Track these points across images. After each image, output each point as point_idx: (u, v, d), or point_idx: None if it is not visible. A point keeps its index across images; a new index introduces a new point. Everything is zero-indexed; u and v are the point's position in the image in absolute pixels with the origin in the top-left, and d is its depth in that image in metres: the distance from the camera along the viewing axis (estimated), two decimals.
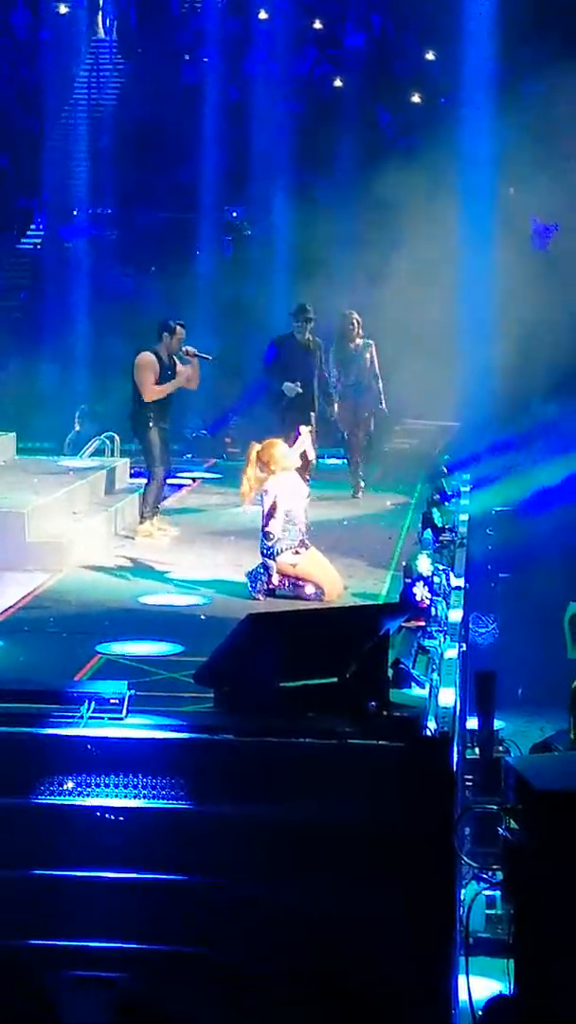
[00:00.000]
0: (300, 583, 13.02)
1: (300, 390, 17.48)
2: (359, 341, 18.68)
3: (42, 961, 8.67)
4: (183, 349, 15.86)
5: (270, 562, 13.04)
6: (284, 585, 13.04)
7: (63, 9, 29.87)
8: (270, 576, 13.01)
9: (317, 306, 18.86)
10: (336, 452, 19.53)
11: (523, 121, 23.71)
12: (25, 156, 29.73)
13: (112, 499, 17.07)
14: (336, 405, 18.41)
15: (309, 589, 12.97)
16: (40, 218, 30.04)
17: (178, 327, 15.92)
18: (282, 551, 13.04)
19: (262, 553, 13.12)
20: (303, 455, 14.15)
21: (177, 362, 15.87)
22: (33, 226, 30.05)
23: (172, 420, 16.53)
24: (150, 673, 10.60)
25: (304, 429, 14.28)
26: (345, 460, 19.05)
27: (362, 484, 18.66)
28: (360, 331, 18.74)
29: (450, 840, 9.05)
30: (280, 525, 13.07)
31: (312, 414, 17.23)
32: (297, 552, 13.09)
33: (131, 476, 18.53)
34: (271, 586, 13.02)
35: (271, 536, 13.06)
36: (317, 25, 30.71)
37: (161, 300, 23.72)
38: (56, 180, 29.54)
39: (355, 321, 18.72)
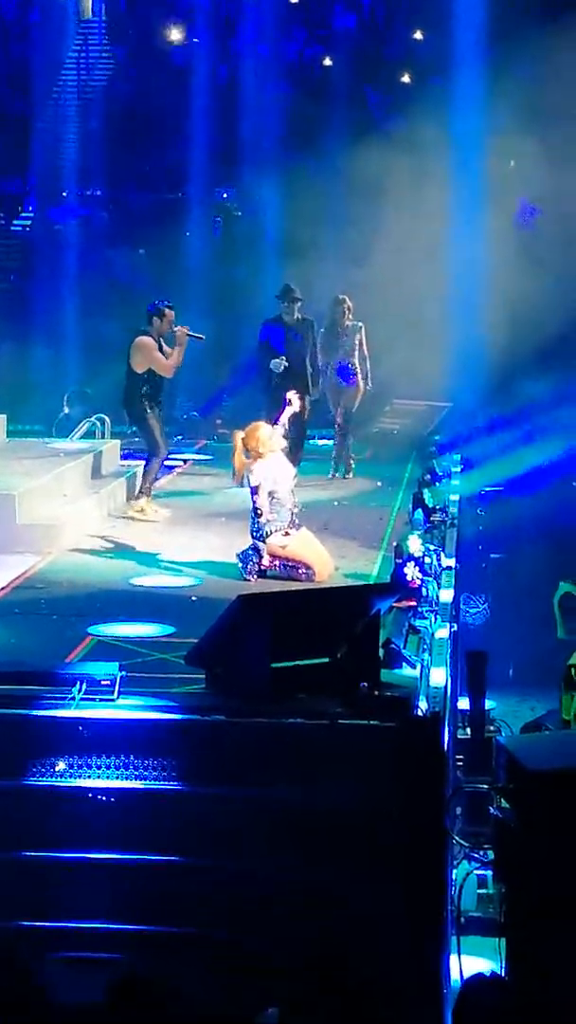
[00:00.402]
0: (291, 564, 13.02)
1: (287, 364, 17.49)
2: (348, 323, 18.66)
3: (34, 943, 8.69)
4: (175, 329, 15.87)
5: (260, 544, 13.05)
6: (275, 566, 13.05)
7: None
8: (261, 557, 13.02)
9: (307, 287, 18.85)
10: (328, 433, 19.52)
11: (512, 102, 23.67)
12: (14, 138, 29.62)
13: (103, 481, 17.05)
14: (320, 387, 18.37)
15: (300, 570, 12.98)
16: (30, 200, 29.96)
17: (167, 309, 15.93)
18: (272, 532, 13.05)
19: (252, 535, 13.13)
20: (297, 415, 14.22)
21: (164, 345, 15.90)
22: (23, 208, 29.96)
23: (164, 401, 16.55)
24: (141, 654, 10.61)
25: (291, 395, 14.24)
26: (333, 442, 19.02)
27: (352, 463, 18.67)
28: (351, 315, 18.74)
29: (441, 820, 9.08)
30: (266, 506, 13.07)
31: (305, 390, 17.24)
32: (287, 533, 13.09)
33: (122, 458, 18.52)
34: (262, 567, 13.03)
35: (260, 516, 13.07)
36: (307, 6, 30.61)
37: (151, 282, 23.68)
38: (46, 162, 29.44)
39: (347, 306, 18.73)
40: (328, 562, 13.22)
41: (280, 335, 17.76)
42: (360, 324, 18.79)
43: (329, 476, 18.39)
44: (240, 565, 13.09)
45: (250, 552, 13.09)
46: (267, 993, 8.58)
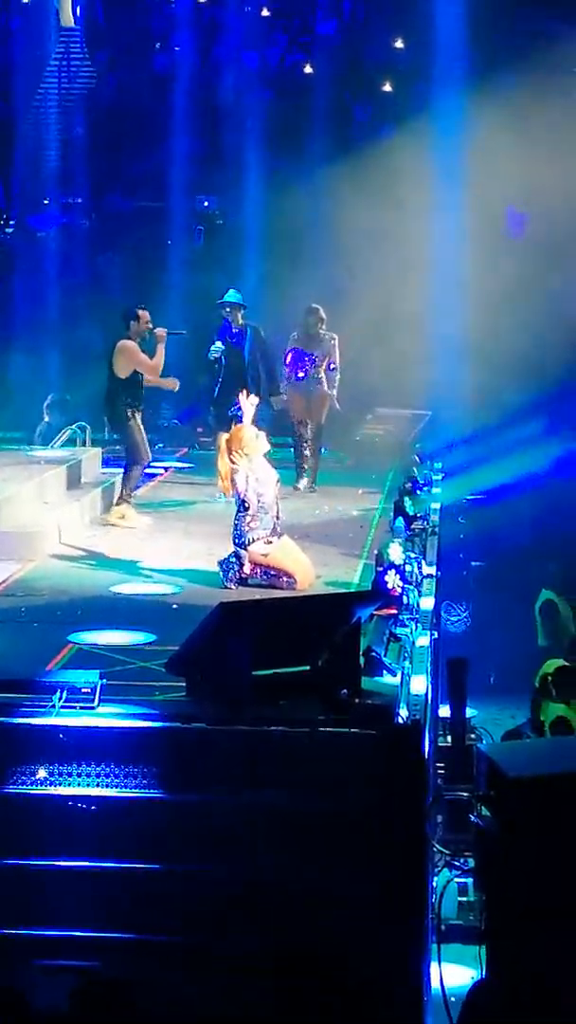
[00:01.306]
0: (272, 572, 13.02)
1: (222, 346, 17.59)
2: (321, 333, 18.36)
3: (14, 950, 8.67)
4: (155, 330, 15.94)
5: (242, 551, 13.04)
6: (256, 574, 13.04)
7: None
8: (242, 565, 13.01)
9: (289, 295, 18.87)
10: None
11: (495, 108, 23.69)
12: None
13: (83, 489, 17.04)
14: (284, 396, 18.27)
15: (282, 579, 12.97)
16: (11, 207, 29.91)
17: (140, 311, 16.00)
18: (254, 540, 13.04)
19: (234, 542, 13.12)
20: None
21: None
22: (2, 215, 29.91)
23: (146, 408, 16.57)
24: (122, 662, 10.60)
25: (241, 397, 14.18)
26: (293, 451, 18.45)
27: (305, 480, 18.05)
28: (323, 326, 18.42)
29: (422, 827, 9.07)
30: (255, 504, 13.07)
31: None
32: (269, 541, 13.09)
33: (103, 466, 18.50)
34: (243, 575, 13.02)
35: (247, 511, 13.05)
36: (288, 13, 30.61)
37: (132, 289, 23.65)
38: (26, 169, 29.41)
39: (320, 316, 18.41)
40: (309, 570, 13.22)
41: (225, 335, 17.91)
42: (334, 336, 18.49)
43: (295, 486, 17.77)
44: (221, 573, 13.08)
45: (231, 560, 13.08)
46: (246, 999, 8.58)
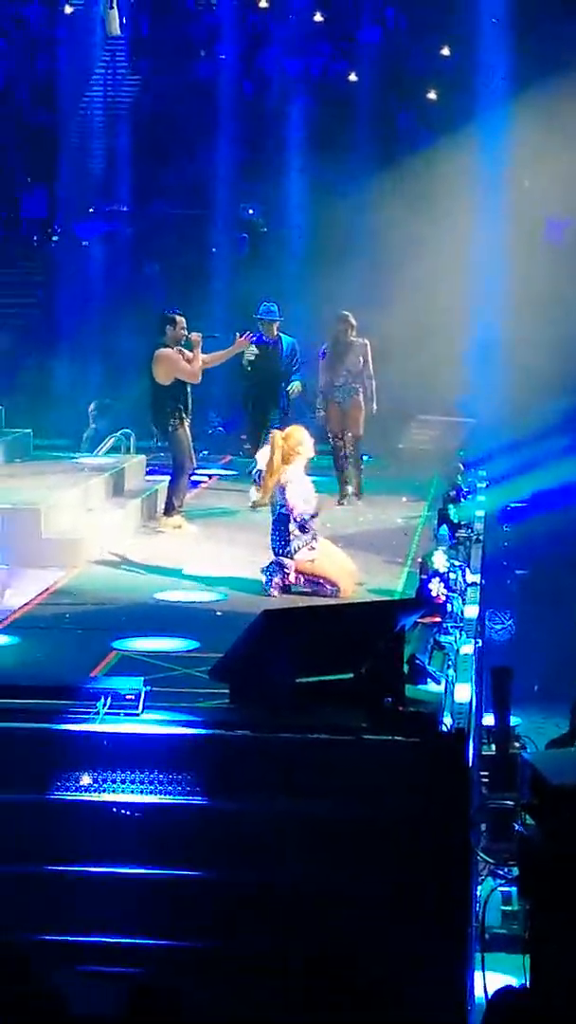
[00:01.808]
0: (316, 580, 13.01)
1: (256, 351, 17.68)
2: (352, 340, 18.06)
3: (57, 956, 8.68)
4: (190, 335, 15.98)
5: (284, 559, 13.03)
6: (299, 582, 13.04)
7: (68, 9, 29.88)
8: (286, 573, 13.00)
9: (333, 303, 18.86)
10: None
11: (537, 115, 23.65)
12: (41, 153, 29.73)
13: (128, 496, 17.07)
14: (321, 411, 18.07)
15: (326, 587, 12.97)
16: (56, 215, 30.05)
17: (177, 316, 16.04)
18: (299, 548, 13.04)
19: (274, 551, 13.10)
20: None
21: (184, 352, 16.01)
22: (51, 230, 30.04)
23: (194, 415, 16.62)
24: (166, 669, 10.60)
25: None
26: (333, 463, 18.15)
27: (349, 490, 17.84)
28: (354, 332, 18.10)
29: (466, 836, 9.05)
30: (311, 513, 13.11)
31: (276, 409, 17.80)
32: (312, 548, 13.08)
33: (147, 474, 18.54)
34: (286, 583, 13.02)
35: (304, 525, 13.05)
36: (331, 20, 30.67)
37: (176, 297, 23.68)
38: (71, 177, 29.54)
39: (350, 323, 18.07)
40: (353, 576, 13.20)
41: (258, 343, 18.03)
42: (365, 341, 18.16)
43: (340, 501, 17.58)
44: (264, 580, 13.08)
45: (274, 567, 13.08)
46: (288, 1008, 8.58)
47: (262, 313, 18.19)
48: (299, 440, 13.39)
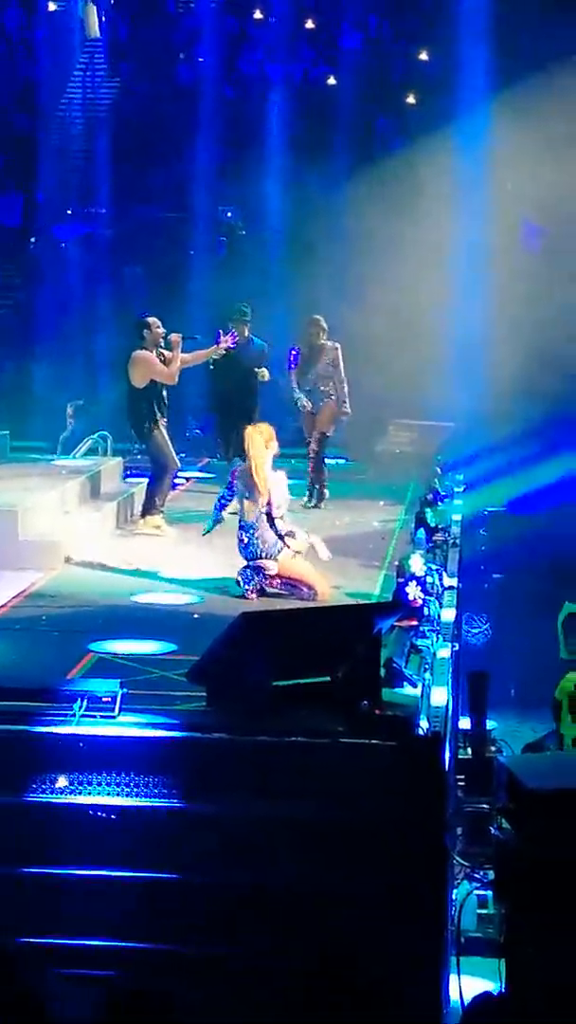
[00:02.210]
0: (293, 583, 13.01)
1: (224, 349, 17.16)
2: (322, 343, 17.96)
3: (33, 959, 8.66)
4: (169, 337, 15.98)
5: (269, 563, 13.02)
6: (275, 585, 13.04)
7: (52, 6, 29.87)
8: (263, 577, 13.00)
9: (311, 305, 18.84)
10: (333, 452, 19.49)
11: (517, 120, 23.71)
12: (20, 154, 29.70)
13: (105, 498, 17.06)
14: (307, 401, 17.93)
15: (303, 590, 12.97)
16: (35, 218, 30.03)
17: (150, 320, 16.04)
18: (270, 553, 13.04)
19: (243, 554, 13.09)
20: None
21: (164, 354, 16.02)
22: (25, 227, 30.00)
23: (171, 418, 16.60)
24: (143, 671, 10.60)
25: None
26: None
27: (317, 492, 17.76)
28: (324, 335, 18.00)
29: (442, 839, 9.06)
30: (285, 515, 13.23)
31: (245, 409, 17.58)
32: (286, 547, 13.08)
33: (125, 477, 18.53)
34: (263, 586, 13.02)
35: (265, 533, 13.05)
36: (312, 25, 30.71)
37: (154, 299, 23.69)
38: (50, 179, 29.52)
39: (321, 327, 18.01)
40: (326, 580, 13.21)
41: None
42: (336, 345, 18.05)
43: (306, 504, 17.60)
44: (242, 582, 13.08)
45: (250, 571, 13.07)
46: (263, 1011, 8.57)
47: (234, 314, 18.08)
48: (271, 435, 13.42)
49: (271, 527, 13.14)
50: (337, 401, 18.05)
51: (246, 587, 13.03)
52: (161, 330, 16.01)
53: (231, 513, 13.61)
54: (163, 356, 16.02)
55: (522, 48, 24.97)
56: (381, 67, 29.82)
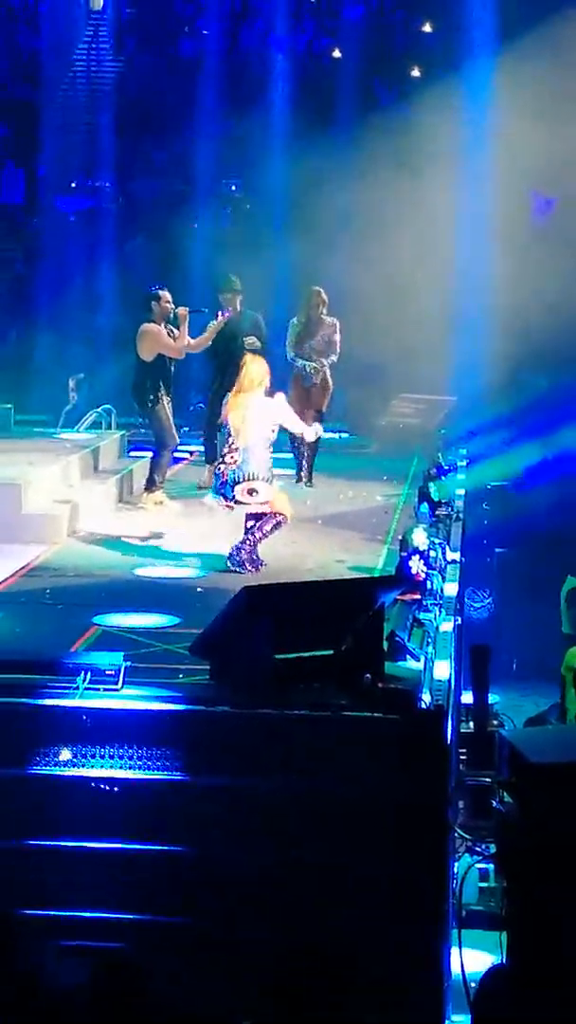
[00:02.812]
0: (267, 519, 13.02)
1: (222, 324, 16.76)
2: (324, 318, 17.66)
3: (35, 931, 8.70)
4: (176, 310, 15.93)
5: (260, 485, 12.97)
6: (251, 504, 13.02)
7: None
8: (250, 544, 12.92)
9: (314, 279, 18.75)
10: (336, 426, 19.42)
11: (523, 91, 23.63)
12: (23, 127, 29.64)
13: (108, 472, 17.07)
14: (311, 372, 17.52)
15: (274, 519, 13.04)
16: (38, 189, 29.99)
17: (161, 292, 15.97)
18: (273, 475, 13.09)
19: (237, 477, 13.00)
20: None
21: (173, 331, 15.98)
22: (26, 199, 29.97)
23: (174, 392, 16.56)
24: (146, 645, 10.62)
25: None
26: (294, 448, 17.41)
27: (304, 476, 17.39)
28: (325, 309, 17.69)
29: (444, 813, 9.09)
30: (224, 443, 13.09)
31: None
32: (252, 491, 13.00)
33: (129, 450, 18.53)
34: (253, 555, 12.93)
35: (229, 451, 13.04)
36: None
37: (158, 272, 23.65)
38: (54, 151, 29.47)
39: (322, 299, 17.68)
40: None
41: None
42: (335, 321, 17.76)
43: (297, 481, 17.26)
44: (230, 564, 13.00)
45: (238, 546, 12.98)
46: (264, 986, 8.60)
47: (223, 285, 17.59)
48: (267, 371, 13.41)
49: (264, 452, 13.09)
50: (330, 376, 17.75)
51: (237, 563, 12.95)
52: (170, 304, 15.96)
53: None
54: (171, 332, 15.97)
55: (527, 18, 24.85)
56: (384, 38, 29.72)
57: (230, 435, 13.10)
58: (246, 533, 13.05)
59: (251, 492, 13.03)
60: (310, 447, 17.15)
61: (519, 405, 22.58)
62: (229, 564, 13.01)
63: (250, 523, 13.08)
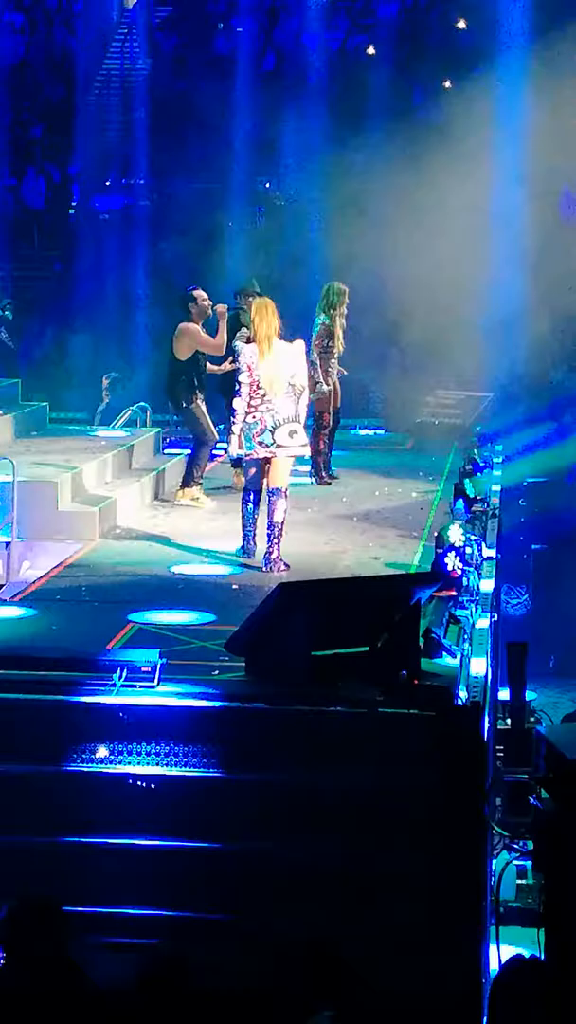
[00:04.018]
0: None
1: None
2: (346, 312, 17.22)
3: (74, 927, 8.71)
4: (215, 307, 15.91)
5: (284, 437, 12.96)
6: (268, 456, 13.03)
7: None
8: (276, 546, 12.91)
9: (348, 276, 18.69)
10: (372, 423, 19.39)
11: (556, 89, 23.59)
12: (59, 126, 29.73)
13: (144, 469, 17.09)
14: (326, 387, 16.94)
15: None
16: (73, 188, 30.07)
17: (198, 293, 15.94)
18: (255, 436, 12.95)
19: (273, 423, 12.95)
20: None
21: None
22: (60, 196, 30.04)
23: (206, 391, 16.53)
24: (182, 641, 10.63)
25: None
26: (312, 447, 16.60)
27: (324, 471, 17.20)
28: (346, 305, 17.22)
29: (481, 809, 9.07)
30: (244, 402, 12.96)
31: None
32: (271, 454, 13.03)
33: (164, 447, 18.56)
34: (279, 555, 12.92)
35: (260, 410, 12.94)
36: None
37: (192, 270, 23.68)
38: (89, 150, 29.53)
39: (343, 292, 17.17)
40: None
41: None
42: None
43: (312, 482, 17.02)
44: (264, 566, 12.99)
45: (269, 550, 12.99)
46: (301, 983, 8.59)
47: (245, 287, 17.27)
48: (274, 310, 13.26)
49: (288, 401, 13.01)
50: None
51: (243, 549, 13.18)
52: (208, 302, 15.90)
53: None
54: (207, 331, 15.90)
55: (562, 14, 24.80)
56: (418, 35, 29.68)
57: (259, 387, 12.94)
58: (269, 536, 12.99)
59: (292, 434, 13.01)
60: (327, 444, 17.15)
61: (554, 400, 22.55)
62: (265, 570, 12.94)
63: (269, 528, 13.04)
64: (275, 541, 12.94)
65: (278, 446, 12.98)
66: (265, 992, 8.50)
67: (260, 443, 13.00)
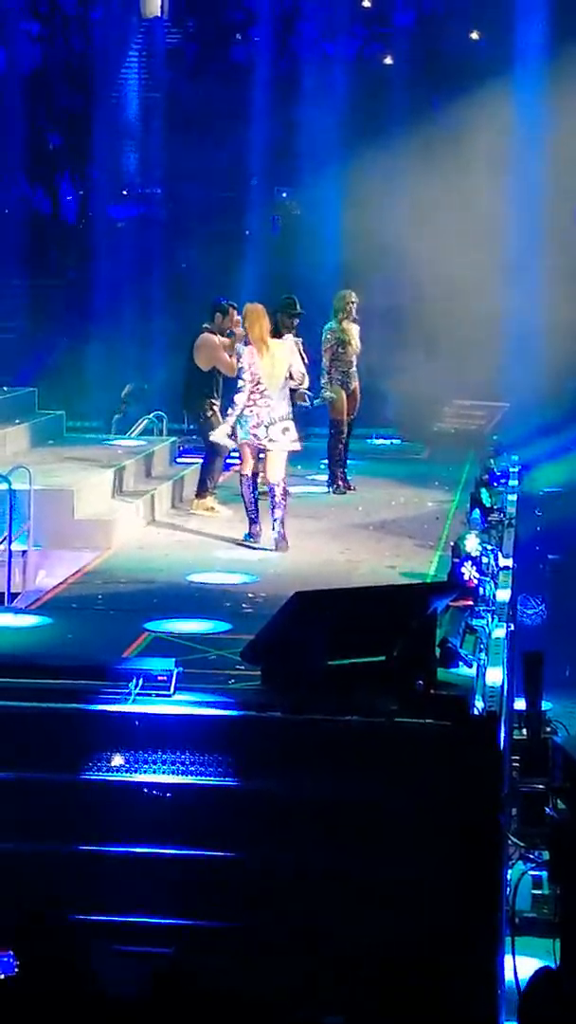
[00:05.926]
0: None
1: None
2: (356, 318, 17.13)
3: (88, 935, 8.71)
4: (236, 331, 15.89)
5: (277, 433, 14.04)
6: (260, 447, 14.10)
7: None
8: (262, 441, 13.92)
9: (365, 286, 18.65)
10: (387, 432, 19.37)
11: (570, 97, 23.59)
12: (75, 135, 29.77)
13: (160, 478, 17.10)
14: (329, 395, 16.89)
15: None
16: (90, 197, 30.11)
17: (231, 308, 15.96)
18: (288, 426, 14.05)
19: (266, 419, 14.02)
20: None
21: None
22: (71, 206, 30.08)
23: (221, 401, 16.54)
24: (198, 650, 10.62)
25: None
26: (329, 456, 17.25)
27: (341, 480, 17.21)
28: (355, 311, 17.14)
29: (497, 819, 9.04)
30: (245, 392, 14.03)
31: None
32: (265, 445, 14.07)
33: (179, 455, 18.56)
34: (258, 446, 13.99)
35: (258, 404, 13.97)
36: (367, 3, 30.64)
37: (209, 280, 23.70)
38: (106, 159, 29.57)
39: (354, 301, 17.09)
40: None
41: None
42: (358, 321, 17.21)
43: (330, 491, 17.14)
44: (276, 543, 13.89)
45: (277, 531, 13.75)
46: (317, 993, 8.58)
47: (289, 308, 17.15)
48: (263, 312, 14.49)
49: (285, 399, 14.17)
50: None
51: (253, 440, 14.11)
52: (237, 318, 15.73)
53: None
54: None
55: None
56: (435, 45, 29.68)
57: (258, 382, 14.05)
58: (273, 516, 13.94)
59: (284, 431, 14.12)
60: (343, 455, 17.24)
61: (569, 412, 22.51)
62: (277, 548, 13.91)
63: (273, 510, 14.00)
64: (280, 518, 13.98)
65: (271, 440, 14.10)
66: (279, 1001, 8.51)
67: (254, 435, 14.16)
